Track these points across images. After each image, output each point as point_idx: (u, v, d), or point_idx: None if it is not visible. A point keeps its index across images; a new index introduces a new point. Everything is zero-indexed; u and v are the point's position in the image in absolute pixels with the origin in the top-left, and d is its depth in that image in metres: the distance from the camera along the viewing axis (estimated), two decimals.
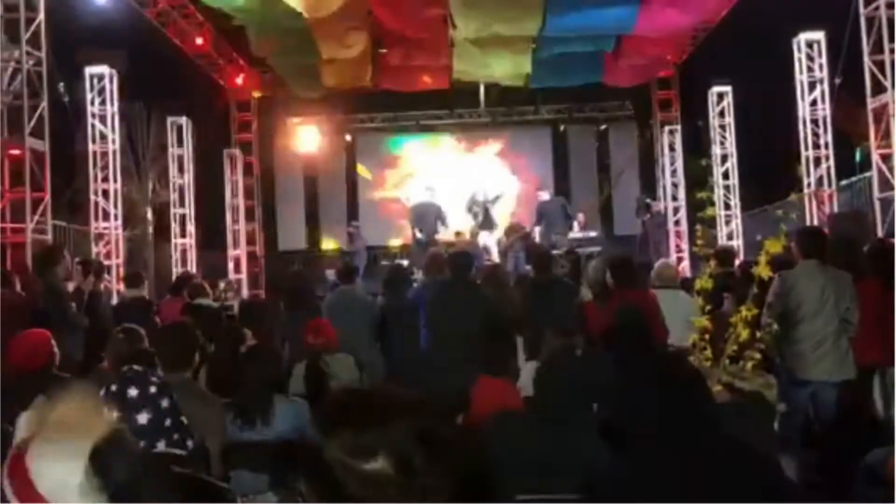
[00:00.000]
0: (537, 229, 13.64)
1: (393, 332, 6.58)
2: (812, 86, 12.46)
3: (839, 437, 5.10)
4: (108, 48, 14.12)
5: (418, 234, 13.44)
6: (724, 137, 14.49)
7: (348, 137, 19.35)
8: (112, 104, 12.31)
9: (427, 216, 13.38)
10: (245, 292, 15.66)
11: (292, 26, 10.98)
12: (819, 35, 12.46)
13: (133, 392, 1.94)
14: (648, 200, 15.20)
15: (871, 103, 9.71)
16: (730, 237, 14.41)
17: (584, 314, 5.67)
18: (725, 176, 14.55)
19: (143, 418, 1.91)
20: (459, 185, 17.66)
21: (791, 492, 2.13)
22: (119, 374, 2.01)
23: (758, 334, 3.08)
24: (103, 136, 12.25)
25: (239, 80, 16.26)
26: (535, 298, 6.48)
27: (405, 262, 12.16)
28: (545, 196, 14.37)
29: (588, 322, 5.35)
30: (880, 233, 9.48)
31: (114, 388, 1.94)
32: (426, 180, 18.41)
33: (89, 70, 12.24)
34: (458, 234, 15.12)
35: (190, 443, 2.01)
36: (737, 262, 8.60)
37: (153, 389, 1.96)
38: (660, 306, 5.35)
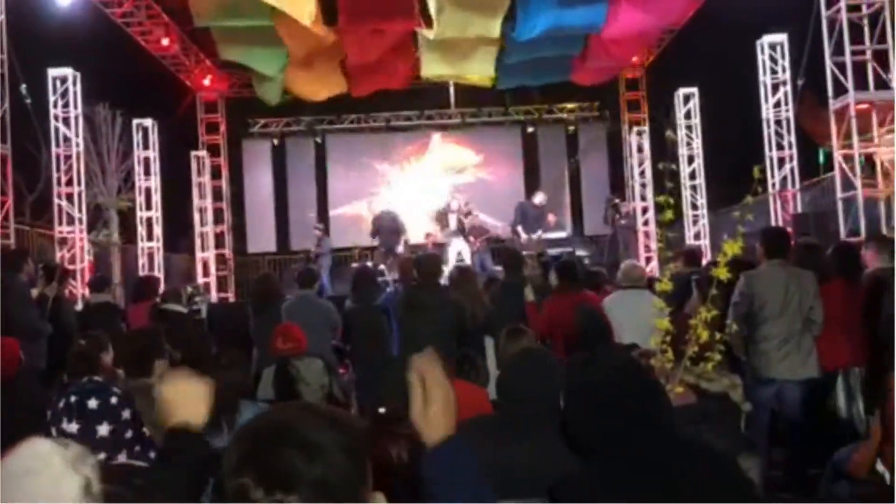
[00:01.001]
0: (520, 228, 13.65)
1: (360, 336, 6.57)
2: (775, 87, 12.62)
3: (804, 436, 5.18)
4: (71, 49, 13.90)
5: (376, 242, 13.64)
6: (690, 138, 14.63)
7: (318, 139, 19.26)
8: (76, 106, 12.11)
9: (385, 230, 13.46)
10: (214, 295, 15.51)
11: (260, 30, 10.98)
12: (782, 37, 12.63)
13: (93, 403, 1.91)
14: (618, 201, 15.30)
15: (833, 104, 9.86)
16: (697, 237, 14.56)
17: (524, 314, 5.80)
18: (692, 176, 14.69)
19: (103, 430, 1.89)
20: (429, 189, 17.72)
21: (751, 492, 2.14)
22: (79, 386, 1.98)
23: (718, 335, 3.10)
24: (67, 139, 12.06)
25: (206, 82, 16.12)
26: (504, 300, 6.50)
27: (372, 265, 12.17)
28: (541, 199, 14.26)
29: (529, 322, 5.48)
30: (843, 232, 9.65)
31: (73, 399, 1.91)
32: (395, 183, 18.45)
33: (52, 72, 12.04)
34: (428, 235, 15.12)
35: (152, 454, 1.98)
36: (704, 262, 8.71)
37: (114, 400, 1.93)
38: (603, 308, 5.61)
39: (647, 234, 15.42)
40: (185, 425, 1.45)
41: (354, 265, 15.21)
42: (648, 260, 14.83)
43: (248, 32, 11.30)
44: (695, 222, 14.74)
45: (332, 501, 1.05)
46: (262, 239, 19.19)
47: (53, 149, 12.03)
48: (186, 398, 1.22)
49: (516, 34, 11.62)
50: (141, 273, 13.63)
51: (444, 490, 1.46)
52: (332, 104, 17.12)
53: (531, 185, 18.21)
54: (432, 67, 13.48)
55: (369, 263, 12.61)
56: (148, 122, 14.53)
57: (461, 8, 10.86)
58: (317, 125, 19.15)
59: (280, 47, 11.63)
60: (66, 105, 12.06)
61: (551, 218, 14.54)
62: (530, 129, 19.30)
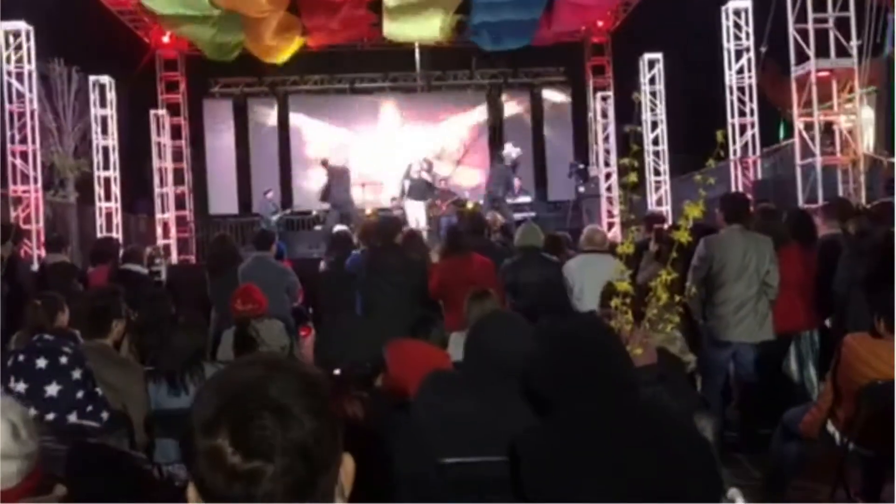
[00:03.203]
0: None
1: (331, 299, 6.57)
2: (739, 54, 12.67)
3: (757, 397, 5.30)
4: (25, 3, 13.45)
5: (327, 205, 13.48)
6: (654, 104, 14.67)
7: (276, 100, 18.97)
8: (29, 62, 11.76)
9: (340, 185, 13.28)
10: (175, 258, 15.31)
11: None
12: (746, 4, 12.64)
13: (42, 363, 1.86)
14: (582, 166, 15.34)
15: (795, 72, 9.94)
16: (659, 203, 14.67)
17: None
18: (655, 142, 14.75)
19: (52, 390, 1.85)
20: (395, 151, 17.58)
21: (705, 450, 2.19)
22: (28, 344, 1.93)
23: (677, 298, 3.14)
24: (20, 96, 11.72)
25: (165, 39, 15.68)
26: None
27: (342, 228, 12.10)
28: (513, 152, 14.09)
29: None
30: (801, 199, 9.80)
31: (21, 358, 1.87)
32: (360, 145, 18.28)
33: (4, 26, 11.64)
34: (393, 199, 15.06)
35: (104, 414, 1.95)
36: (665, 227, 8.79)
37: (64, 360, 1.89)
38: (492, 271, 5.97)
39: (610, 200, 15.51)
40: None
41: (317, 228, 15.15)
42: (611, 225, 14.93)
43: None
44: (657, 188, 14.84)
45: (310, 465, 1.02)
46: (223, 201, 18.94)
47: (7, 105, 11.69)
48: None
49: None
50: (99, 234, 13.38)
51: None
52: (295, 65, 16.85)
53: (495, 149, 18.19)
54: (394, 28, 13.33)
55: (341, 227, 12.53)
56: (105, 79, 14.15)
57: None
58: (280, 86, 18.85)
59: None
60: (19, 60, 11.70)
61: (516, 182, 14.54)
62: (496, 93, 19.23)
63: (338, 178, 13.25)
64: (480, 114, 19.51)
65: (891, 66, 9.30)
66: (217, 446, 1.01)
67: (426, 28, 13.06)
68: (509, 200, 13.78)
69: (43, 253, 9.95)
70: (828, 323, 5.46)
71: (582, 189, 14.81)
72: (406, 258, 6.04)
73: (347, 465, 1.11)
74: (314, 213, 16.47)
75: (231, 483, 1.01)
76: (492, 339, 2.71)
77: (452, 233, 6.77)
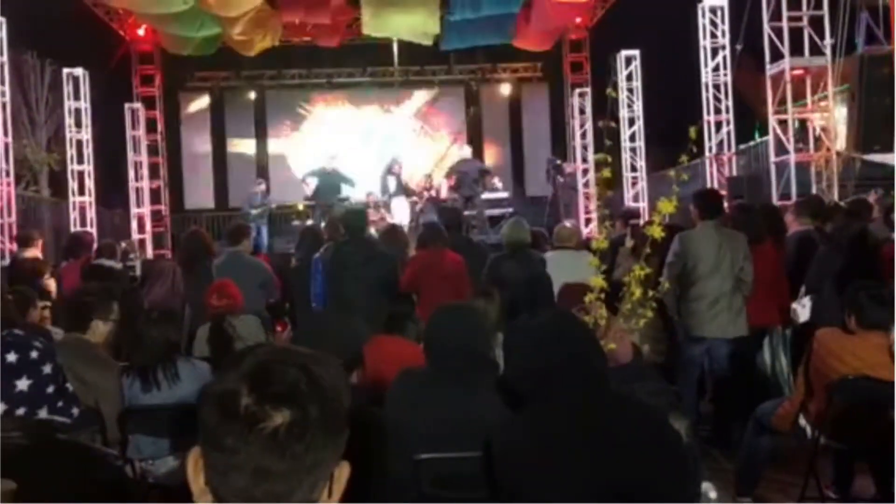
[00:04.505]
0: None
1: (301, 294, 6.53)
2: (715, 51, 12.78)
3: (731, 391, 5.35)
4: None
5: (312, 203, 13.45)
6: (631, 101, 14.75)
7: (253, 94, 18.85)
8: (1, 54, 11.59)
9: (326, 186, 13.25)
10: (150, 252, 15.18)
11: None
12: (722, 2, 12.75)
13: (12, 357, 1.84)
14: (559, 162, 15.40)
15: (770, 69, 10.04)
16: (636, 199, 14.77)
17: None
18: (632, 139, 14.84)
19: (22, 384, 1.82)
20: (373, 147, 17.53)
21: (679, 444, 2.20)
22: None
23: (650, 293, 3.16)
24: None
25: (140, 32, 15.53)
26: None
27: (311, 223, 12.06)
28: (466, 152, 14.38)
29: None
30: (775, 195, 9.90)
31: None
32: (337, 140, 18.18)
33: None
34: (369, 194, 15.01)
35: (75, 410, 1.93)
36: (641, 223, 8.85)
37: (34, 354, 1.87)
38: (463, 268, 5.96)
39: (587, 196, 15.58)
40: None
41: (296, 223, 15.07)
42: (589, 221, 15.01)
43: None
44: (634, 184, 14.94)
45: (312, 435, 1.01)
46: (199, 195, 18.79)
47: None
48: None
49: None
50: (73, 229, 13.23)
51: None
52: (272, 59, 16.75)
53: (474, 144, 18.21)
54: (374, 25, 13.31)
55: (310, 222, 12.48)
56: (79, 71, 13.98)
57: None
58: (257, 80, 18.73)
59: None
60: None
61: (495, 180, 14.58)
62: (474, 88, 19.24)
63: (326, 184, 13.25)
64: (459, 109, 19.51)
65: (862, 65, 9.41)
66: (232, 388, 1.01)
67: (407, 25, 13.05)
68: (487, 196, 13.80)
69: (14, 248, 9.81)
70: (796, 306, 5.51)
71: (560, 182, 14.87)
72: (371, 251, 6.01)
73: (343, 470, 1.10)
74: (300, 206, 16.37)
75: (232, 425, 1.00)
76: (442, 332, 2.72)
77: (429, 227, 6.78)
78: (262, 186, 14.98)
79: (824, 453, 4.02)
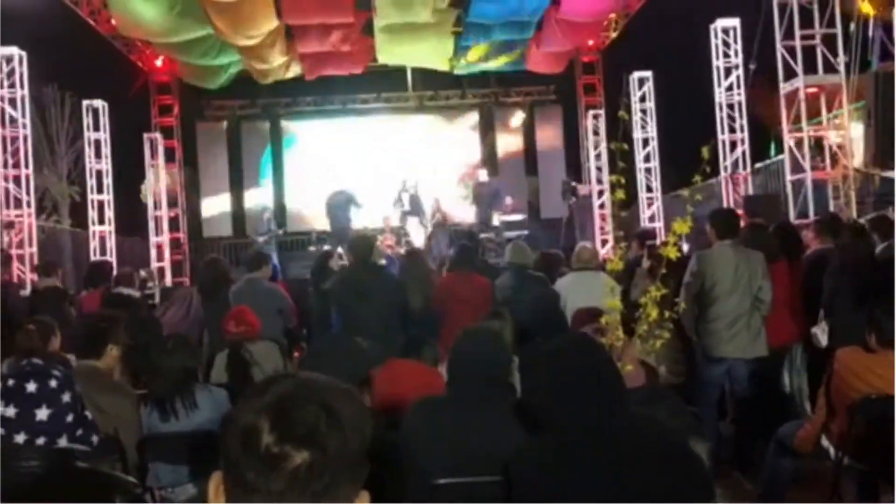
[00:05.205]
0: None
1: (314, 320, 6.56)
2: (728, 71, 12.78)
3: (752, 412, 5.29)
4: (18, 29, 13.51)
5: (329, 228, 13.53)
6: (645, 122, 14.76)
7: (268, 124, 19.05)
8: (22, 87, 11.80)
9: (336, 208, 13.30)
10: (169, 280, 15.28)
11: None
12: (735, 22, 12.78)
13: (32, 387, 1.86)
14: (574, 183, 15.40)
15: (783, 88, 10.03)
16: (651, 220, 14.73)
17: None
18: (647, 159, 14.83)
19: (42, 414, 1.84)
20: (387, 170, 17.61)
21: (700, 467, 2.19)
22: (17, 369, 1.93)
23: (667, 314, 3.14)
24: (13, 120, 11.74)
25: (158, 63, 15.77)
26: None
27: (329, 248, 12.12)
28: (483, 177, 14.56)
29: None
30: (792, 214, 9.84)
31: (11, 382, 1.86)
32: (351, 164, 18.31)
33: None
34: (385, 219, 15.08)
35: (95, 438, 1.94)
36: (657, 243, 8.82)
37: (53, 384, 1.89)
38: (489, 292, 6.02)
39: (602, 217, 15.56)
40: None
41: (311, 248, 15.15)
42: (605, 242, 14.96)
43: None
44: (649, 205, 14.90)
45: (333, 470, 1.03)
46: (217, 223, 18.93)
47: (0, 130, 11.72)
48: None
49: (470, 14, 11.67)
50: (93, 258, 13.36)
51: None
52: (287, 87, 16.94)
53: (490, 169, 18.26)
54: (388, 53, 13.45)
55: (328, 247, 12.54)
56: (98, 103, 14.21)
57: None
58: (272, 107, 18.92)
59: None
60: (12, 85, 11.74)
61: (509, 201, 14.63)
62: (487, 113, 19.33)
63: (338, 209, 13.32)
64: (473, 133, 19.59)
65: (877, 81, 9.37)
66: (255, 423, 1.03)
67: (421, 52, 13.16)
68: (503, 218, 13.87)
69: (35, 277, 9.92)
70: (816, 331, 5.45)
71: (574, 203, 14.89)
72: (380, 276, 6.03)
73: (363, 498, 1.10)
74: (314, 235, 16.47)
75: (253, 462, 1.02)
76: (467, 355, 2.72)
77: (461, 250, 6.84)
78: (269, 214, 15.09)
79: (847, 474, 3.96)
